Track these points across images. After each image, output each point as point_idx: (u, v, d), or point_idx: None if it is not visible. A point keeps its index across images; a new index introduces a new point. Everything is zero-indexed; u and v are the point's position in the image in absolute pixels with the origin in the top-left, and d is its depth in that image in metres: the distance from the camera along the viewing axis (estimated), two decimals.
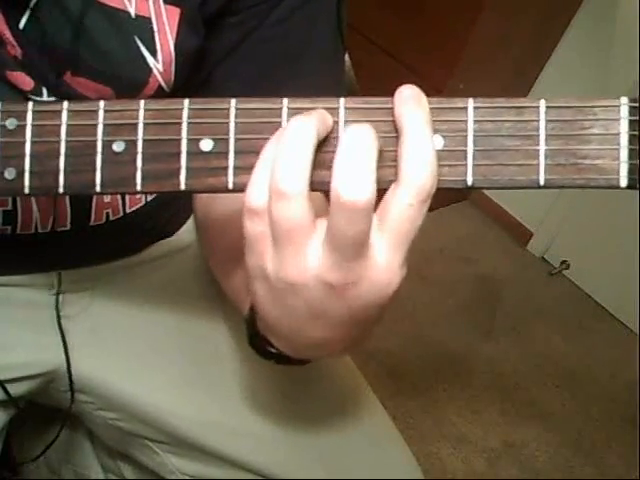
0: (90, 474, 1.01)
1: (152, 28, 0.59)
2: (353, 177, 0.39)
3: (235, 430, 0.80)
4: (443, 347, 1.91)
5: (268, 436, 0.81)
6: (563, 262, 2.25)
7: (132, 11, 0.58)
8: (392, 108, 0.42)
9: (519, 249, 2.31)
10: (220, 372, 0.82)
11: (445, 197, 2.17)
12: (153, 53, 0.60)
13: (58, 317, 0.77)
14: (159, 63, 0.61)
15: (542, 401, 1.85)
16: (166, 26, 0.60)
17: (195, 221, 0.81)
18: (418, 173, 0.40)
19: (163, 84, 0.62)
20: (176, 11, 0.60)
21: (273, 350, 0.54)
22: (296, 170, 0.40)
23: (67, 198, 0.69)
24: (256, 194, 0.41)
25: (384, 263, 0.42)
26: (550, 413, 1.83)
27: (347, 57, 0.76)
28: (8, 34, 0.56)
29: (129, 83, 0.61)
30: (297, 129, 0.41)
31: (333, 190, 0.39)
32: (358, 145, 0.40)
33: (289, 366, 0.57)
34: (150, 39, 0.60)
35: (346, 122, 0.42)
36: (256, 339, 0.55)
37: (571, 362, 1.98)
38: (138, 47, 0.60)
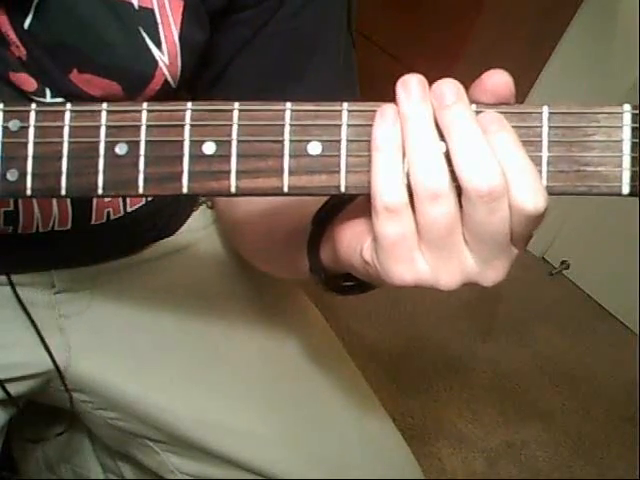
0: (90, 474, 1.01)
1: (155, 20, 0.59)
2: (482, 164, 0.40)
3: (235, 430, 0.80)
4: (443, 347, 1.91)
5: (268, 436, 0.81)
6: (563, 262, 2.24)
7: (135, 2, 0.58)
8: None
9: None
10: (220, 371, 0.82)
11: None
12: (158, 45, 0.60)
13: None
14: (164, 55, 0.60)
15: (542, 401, 1.85)
16: (170, 18, 0.59)
17: (219, 215, 0.81)
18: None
19: (169, 78, 0.62)
20: (179, 3, 0.60)
21: (350, 284, 0.54)
22: (439, 166, 0.40)
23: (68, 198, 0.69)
24: (396, 193, 0.41)
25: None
26: (550, 413, 1.83)
27: None
28: (13, 35, 0.56)
29: (135, 77, 0.61)
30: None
31: (464, 180, 0.40)
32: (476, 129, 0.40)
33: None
34: (154, 31, 0.59)
35: (349, 126, 0.42)
36: (330, 283, 0.55)
37: (571, 362, 1.98)
38: (143, 39, 0.59)
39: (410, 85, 0.41)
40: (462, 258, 0.43)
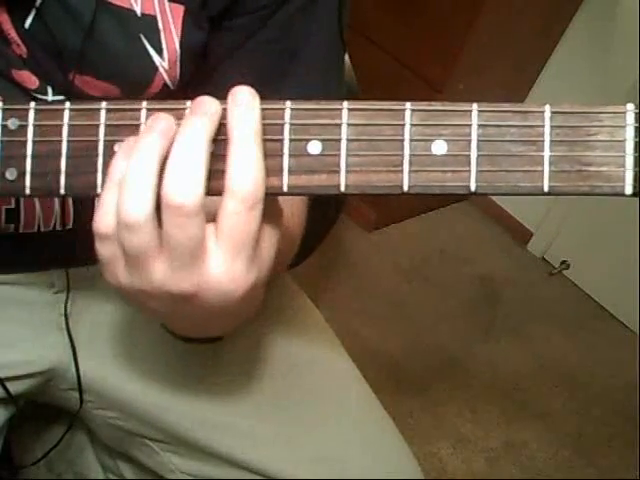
0: (90, 474, 1.01)
1: (158, 27, 0.60)
2: (181, 180, 0.40)
3: (235, 429, 0.80)
4: (443, 347, 1.90)
5: (268, 436, 0.81)
6: (563, 262, 2.24)
7: (138, 10, 0.58)
8: (395, 110, 0.42)
9: (519, 249, 2.31)
10: (220, 371, 0.82)
11: (445, 197, 2.16)
12: (159, 51, 0.60)
13: (66, 316, 0.77)
14: (165, 61, 0.61)
15: (542, 401, 1.85)
16: (171, 24, 0.60)
17: None
18: (241, 181, 0.41)
19: (168, 81, 0.63)
20: (180, 8, 0.60)
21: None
22: (141, 197, 0.41)
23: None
24: (105, 220, 0.43)
25: (223, 271, 0.42)
26: (550, 413, 1.83)
27: (347, 57, 0.76)
28: (13, 33, 0.57)
29: (135, 81, 0.61)
30: (142, 151, 0.41)
31: (162, 193, 0.40)
32: (188, 148, 0.40)
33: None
34: (156, 37, 0.60)
35: (349, 125, 0.42)
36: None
37: (571, 362, 1.98)
38: (144, 46, 0.60)
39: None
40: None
